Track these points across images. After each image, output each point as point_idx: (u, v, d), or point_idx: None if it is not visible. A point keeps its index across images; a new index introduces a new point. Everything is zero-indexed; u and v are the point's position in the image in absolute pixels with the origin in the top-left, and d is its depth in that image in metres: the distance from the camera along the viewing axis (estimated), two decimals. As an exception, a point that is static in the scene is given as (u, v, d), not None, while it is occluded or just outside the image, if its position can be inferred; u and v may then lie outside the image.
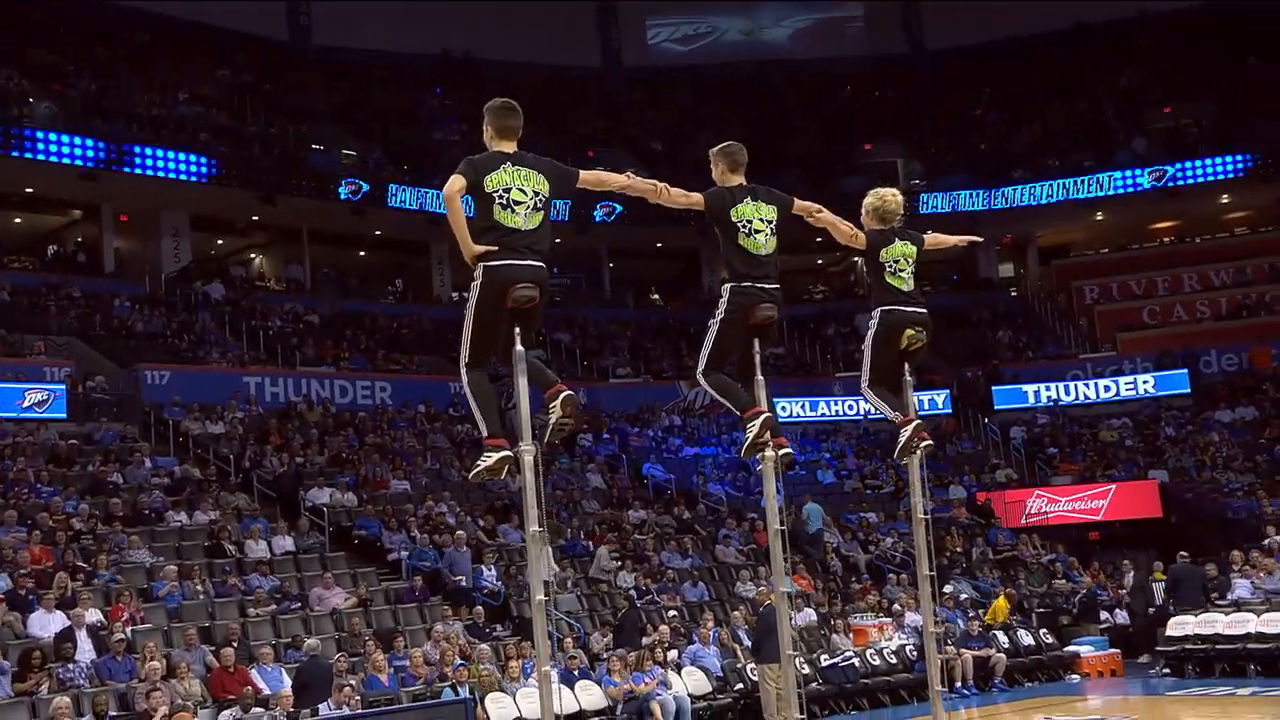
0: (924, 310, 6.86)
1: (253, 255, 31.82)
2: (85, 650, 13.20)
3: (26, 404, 20.02)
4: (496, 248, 5.30)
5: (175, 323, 25.06)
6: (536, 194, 5.40)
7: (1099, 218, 33.50)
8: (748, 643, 16.27)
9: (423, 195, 28.51)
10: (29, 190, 26.15)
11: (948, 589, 19.49)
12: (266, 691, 13.21)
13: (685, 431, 26.66)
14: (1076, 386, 29.55)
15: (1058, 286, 34.17)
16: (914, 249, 6.88)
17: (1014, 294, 35.36)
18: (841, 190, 32.18)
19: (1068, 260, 35.07)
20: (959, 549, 22.25)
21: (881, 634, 17.74)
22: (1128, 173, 31.52)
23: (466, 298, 5.54)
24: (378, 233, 30.66)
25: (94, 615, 13.87)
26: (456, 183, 5.30)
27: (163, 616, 14.89)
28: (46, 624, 13.59)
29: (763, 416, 6.14)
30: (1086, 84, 35.76)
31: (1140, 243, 34.63)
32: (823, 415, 28.95)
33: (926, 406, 28.38)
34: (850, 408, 28.51)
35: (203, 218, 28.26)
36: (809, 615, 18.07)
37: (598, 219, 30.40)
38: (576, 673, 14.62)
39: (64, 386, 20.65)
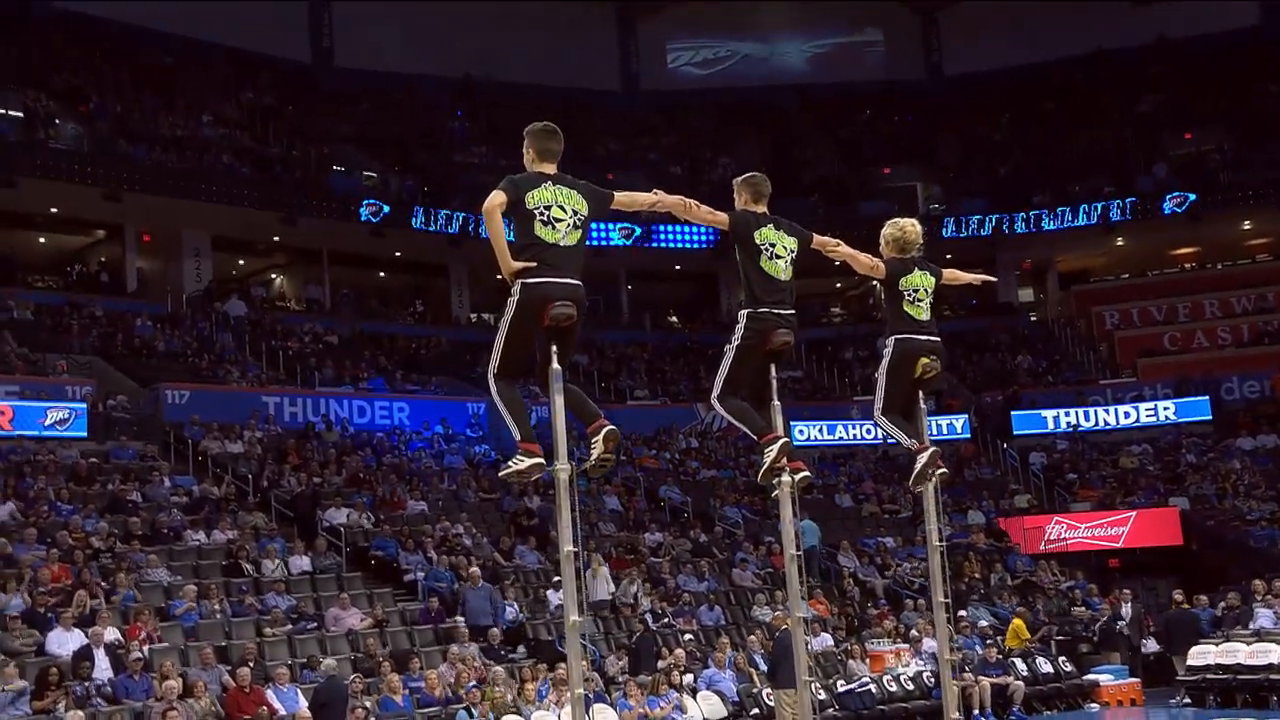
0: (938, 339, 6.91)
1: (273, 275, 32.03)
2: (103, 669, 13.25)
3: (48, 422, 20.15)
4: (535, 264, 5.34)
5: (195, 342, 25.21)
6: (576, 213, 5.50)
7: (1119, 243, 33.39)
8: (764, 667, 16.20)
9: (442, 217, 28.68)
10: (53, 210, 26.40)
11: (964, 614, 19.38)
12: (282, 712, 13.23)
13: (702, 454, 26.63)
14: (1096, 412, 29.39)
15: (1078, 312, 34.04)
16: (932, 280, 6.95)
17: (1034, 319, 35.26)
18: (860, 215, 32.23)
19: (1088, 285, 34.94)
20: (977, 575, 22.11)
21: (898, 660, 17.62)
22: (1148, 198, 31.44)
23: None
24: (397, 254, 30.84)
25: (112, 634, 13.92)
26: (497, 198, 5.36)
27: (180, 635, 14.93)
28: (65, 642, 13.65)
29: (780, 442, 6.17)
30: (1106, 109, 35.71)
31: (1161, 268, 34.49)
32: (840, 439, 28.87)
33: (945, 431, 28.27)
34: (868, 431, 28.41)
35: (224, 238, 28.47)
36: (825, 640, 17.98)
37: (615, 241, 30.49)
38: (591, 696, 14.57)
39: (85, 405, 20.77)
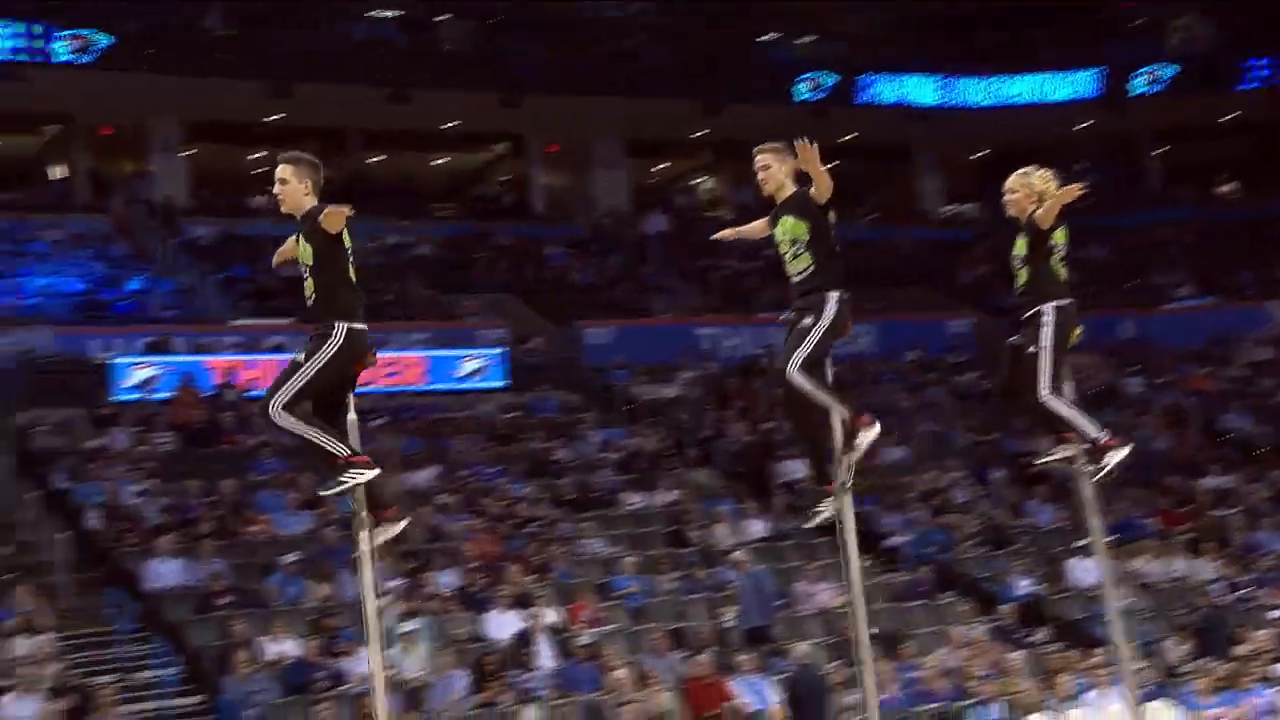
0: None
1: (698, 179, 32.94)
2: (545, 655, 14.27)
3: (463, 373, 21.82)
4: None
5: (615, 269, 26.35)
6: None
7: None
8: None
9: (903, 84, 28.24)
10: (454, 124, 28.21)
11: None
12: (754, 707, 13.66)
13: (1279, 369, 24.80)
14: None
15: None
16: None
17: None
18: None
19: None
20: None
21: None
22: None
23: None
24: (845, 138, 30.73)
25: (551, 615, 14.96)
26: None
27: (625, 617, 15.81)
28: (503, 625, 14.82)
29: (874, 428, 7.08)
30: None
31: None
32: None
33: None
34: None
35: (636, 141, 29.55)
36: None
37: (1137, 90, 28.75)
38: (1146, 691, 13.94)
39: (500, 351, 22.28)
